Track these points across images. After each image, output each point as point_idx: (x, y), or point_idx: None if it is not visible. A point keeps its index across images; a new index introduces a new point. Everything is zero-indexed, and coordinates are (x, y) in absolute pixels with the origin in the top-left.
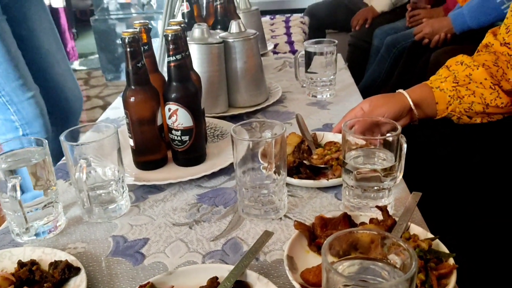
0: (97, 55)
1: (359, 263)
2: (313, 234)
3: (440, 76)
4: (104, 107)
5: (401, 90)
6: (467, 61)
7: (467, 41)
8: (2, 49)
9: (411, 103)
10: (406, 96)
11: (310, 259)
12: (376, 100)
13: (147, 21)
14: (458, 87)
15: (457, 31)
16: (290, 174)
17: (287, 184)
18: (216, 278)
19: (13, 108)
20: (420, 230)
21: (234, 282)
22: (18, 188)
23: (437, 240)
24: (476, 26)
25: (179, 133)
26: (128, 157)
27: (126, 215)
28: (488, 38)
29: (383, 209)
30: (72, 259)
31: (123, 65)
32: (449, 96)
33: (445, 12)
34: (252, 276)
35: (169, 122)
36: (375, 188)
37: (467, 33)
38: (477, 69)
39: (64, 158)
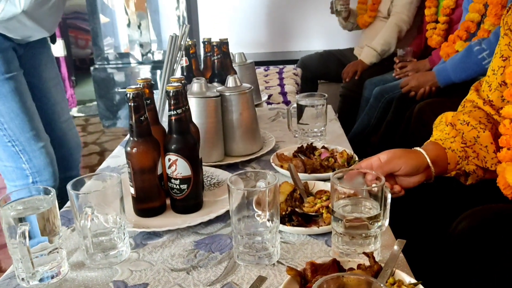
0: (95, 102)
1: None
2: (304, 279)
3: (448, 135)
4: (101, 153)
5: (417, 148)
6: (473, 123)
7: (451, 93)
8: (19, 102)
9: (428, 160)
10: (424, 153)
11: None
12: (394, 152)
13: (149, 77)
14: (466, 148)
15: (441, 85)
16: (283, 222)
17: (280, 231)
18: None
19: (25, 157)
20: (404, 276)
21: None
22: (27, 234)
23: (420, 285)
24: (459, 80)
25: (178, 181)
26: (128, 204)
27: (126, 261)
28: (472, 95)
29: (370, 255)
30: None
31: (120, 112)
32: (459, 157)
33: (431, 63)
34: None
35: (168, 171)
36: (363, 235)
37: (450, 86)
38: (484, 132)
39: (66, 205)
